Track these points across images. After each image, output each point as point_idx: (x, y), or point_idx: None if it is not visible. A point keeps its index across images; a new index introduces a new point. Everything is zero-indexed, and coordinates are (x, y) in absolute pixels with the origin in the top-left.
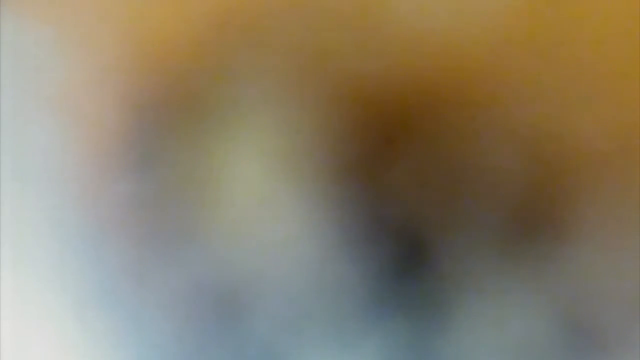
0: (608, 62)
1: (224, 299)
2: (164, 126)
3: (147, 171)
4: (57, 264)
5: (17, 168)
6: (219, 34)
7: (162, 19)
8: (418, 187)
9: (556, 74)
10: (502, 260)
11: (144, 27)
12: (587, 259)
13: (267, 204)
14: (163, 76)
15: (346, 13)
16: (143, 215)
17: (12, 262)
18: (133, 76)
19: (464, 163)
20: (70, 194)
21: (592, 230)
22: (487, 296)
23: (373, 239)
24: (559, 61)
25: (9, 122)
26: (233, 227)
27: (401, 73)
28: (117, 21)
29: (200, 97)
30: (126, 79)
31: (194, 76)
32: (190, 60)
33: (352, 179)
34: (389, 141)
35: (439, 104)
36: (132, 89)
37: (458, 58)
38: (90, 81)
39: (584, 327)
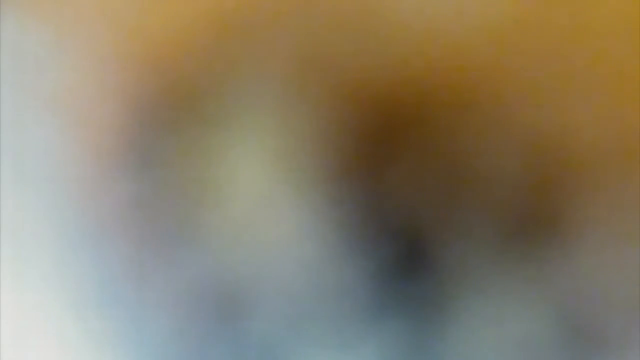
0: (608, 63)
1: (223, 299)
2: (164, 126)
3: (147, 171)
4: (57, 264)
5: (17, 168)
6: (220, 34)
7: (162, 19)
8: (418, 187)
9: (556, 75)
10: (502, 260)
11: (145, 27)
12: (587, 259)
13: (267, 204)
14: (163, 76)
15: (347, 14)
16: (143, 215)
17: (12, 262)
18: (133, 76)
19: (465, 163)
20: (70, 194)
21: (592, 230)
22: (487, 296)
23: (373, 239)
24: (559, 62)
25: (9, 122)
26: (233, 227)
27: (401, 74)
28: (118, 21)
29: (200, 97)
30: (126, 79)
31: (195, 76)
32: (190, 60)
33: (352, 179)
34: (389, 141)
35: (439, 105)
36: (133, 89)
37: (458, 59)
38: (91, 81)
39: (584, 327)
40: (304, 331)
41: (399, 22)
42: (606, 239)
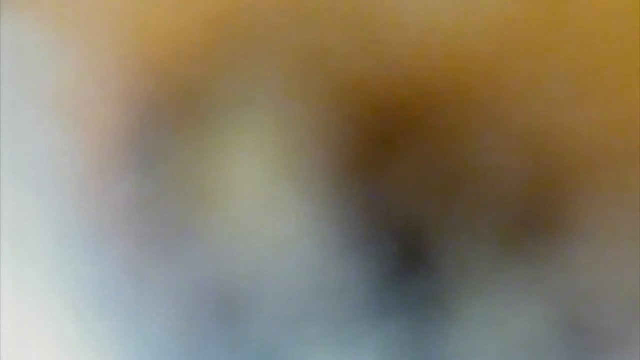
0: (608, 62)
1: (224, 299)
2: (164, 126)
3: (147, 171)
4: (57, 264)
5: (17, 168)
6: (219, 34)
7: (162, 18)
8: (418, 187)
9: (556, 74)
10: (502, 260)
11: (144, 27)
12: (587, 259)
13: (267, 203)
14: (163, 76)
15: (347, 12)
16: (143, 215)
17: (12, 262)
18: (133, 76)
19: (465, 163)
20: (70, 194)
21: (592, 230)
22: (487, 296)
23: (373, 239)
24: (559, 61)
25: (9, 122)
26: (233, 226)
27: (402, 73)
28: (118, 21)
29: (201, 97)
30: (126, 79)
31: (194, 76)
32: (190, 60)
33: (352, 179)
34: (390, 141)
35: (439, 104)
36: (133, 89)
37: (458, 58)
38: (90, 81)
39: (584, 327)
40: (304, 331)
41: (399, 21)
42: (606, 239)
